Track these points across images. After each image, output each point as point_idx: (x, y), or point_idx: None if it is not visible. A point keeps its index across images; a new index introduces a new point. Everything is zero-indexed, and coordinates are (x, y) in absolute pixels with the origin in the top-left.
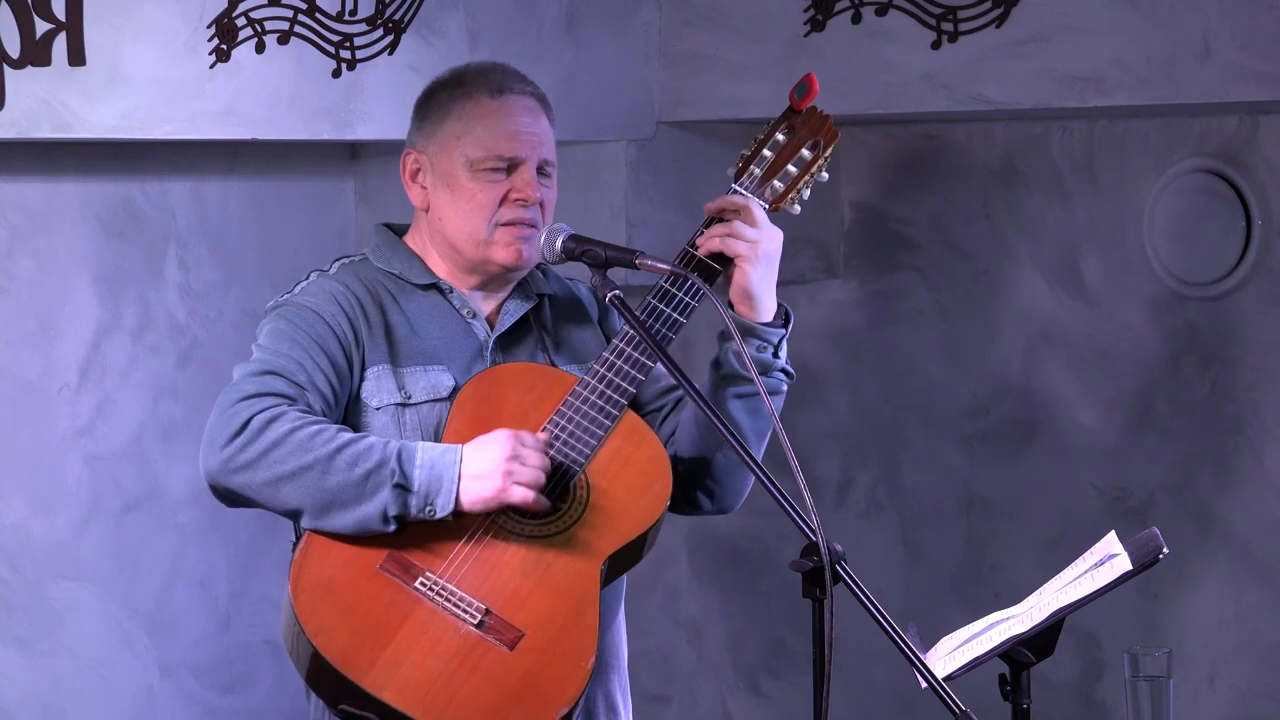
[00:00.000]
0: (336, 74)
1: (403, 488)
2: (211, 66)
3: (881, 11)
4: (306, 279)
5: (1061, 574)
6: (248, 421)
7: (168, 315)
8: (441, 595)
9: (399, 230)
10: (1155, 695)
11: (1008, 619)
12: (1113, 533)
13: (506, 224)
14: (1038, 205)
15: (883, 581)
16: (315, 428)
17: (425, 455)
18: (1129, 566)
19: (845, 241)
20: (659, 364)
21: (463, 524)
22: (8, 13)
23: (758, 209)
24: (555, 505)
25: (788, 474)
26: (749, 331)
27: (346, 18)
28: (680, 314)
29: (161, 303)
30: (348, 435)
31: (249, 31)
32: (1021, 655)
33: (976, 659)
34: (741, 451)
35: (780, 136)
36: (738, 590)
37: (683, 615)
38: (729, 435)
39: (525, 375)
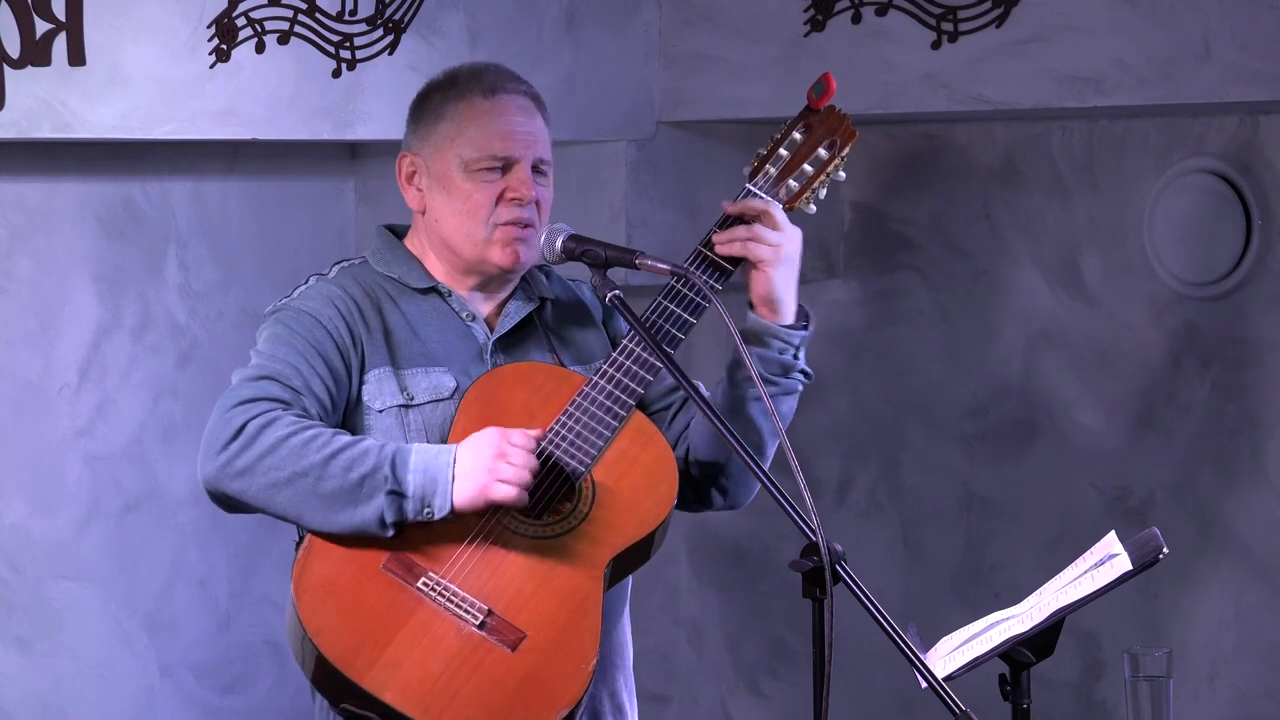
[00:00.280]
0: (336, 74)
1: (396, 493)
2: (211, 66)
3: (881, 11)
4: (305, 283)
5: (1061, 574)
6: (243, 427)
7: (168, 315)
8: (443, 595)
9: (400, 232)
10: (1155, 695)
11: (1008, 619)
12: (1113, 533)
13: (503, 224)
14: (1038, 205)
15: (883, 581)
16: (311, 432)
17: (419, 458)
18: (1129, 566)
19: (845, 241)
20: None
21: (466, 524)
22: (8, 13)
23: (779, 212)
24: (561, 506)
25: (788, 474)
26: (771, 334)
27: (346, 18)
28: (690, 314)
29: (161, 303)
30: (343, 439)
31: (249, 31)
32: (1021, 655)
33: (976, 659)
34: (742, 452)
35: (797, 135)
36: (738, 590)
37: (683, 615)
38: (729, 436)
39: (532, 375)
